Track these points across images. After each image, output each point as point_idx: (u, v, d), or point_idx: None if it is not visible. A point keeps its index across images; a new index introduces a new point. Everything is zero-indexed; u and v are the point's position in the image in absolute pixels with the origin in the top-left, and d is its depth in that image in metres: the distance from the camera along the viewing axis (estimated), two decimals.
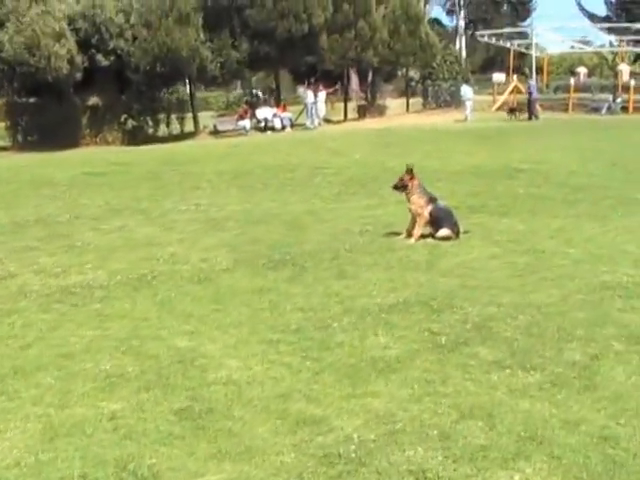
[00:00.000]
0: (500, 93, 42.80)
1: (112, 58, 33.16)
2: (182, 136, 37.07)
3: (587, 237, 10.17)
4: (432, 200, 10.40)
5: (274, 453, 4.24)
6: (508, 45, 47.74)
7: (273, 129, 37.30)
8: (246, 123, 36.62)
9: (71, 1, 32.78)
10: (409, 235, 10.35)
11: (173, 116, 37.36)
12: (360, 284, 8.04)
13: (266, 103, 39.18)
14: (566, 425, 4.46)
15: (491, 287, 7.71)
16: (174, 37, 32.41)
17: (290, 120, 37.81)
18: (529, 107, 36.14)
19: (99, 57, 32.97)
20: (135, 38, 32.80)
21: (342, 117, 41.27)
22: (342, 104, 41.69)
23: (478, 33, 51.34)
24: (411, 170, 10.41)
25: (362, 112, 41.73)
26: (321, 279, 8.35)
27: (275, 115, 37.67)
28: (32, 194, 16.80)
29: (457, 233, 10.35)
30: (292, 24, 34.41)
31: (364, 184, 16.67)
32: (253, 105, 38.77)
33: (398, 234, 10.52)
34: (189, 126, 38.08)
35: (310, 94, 38.26)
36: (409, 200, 10.39)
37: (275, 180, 17.94)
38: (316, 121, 38.37)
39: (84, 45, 32.61)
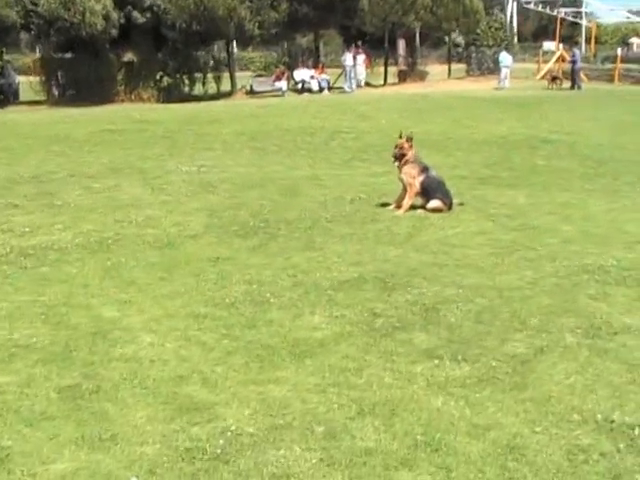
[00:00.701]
0: (546, 61, 41.44)
1: (148, 15, 32.80)
2: (218, 95, 36.64)
3: (589, 214, 9.55)
4: (424, 170, 9.83)
5: (138, 443, 3.84)
6: (555, 13, 46.11)
7: (310, 91, 36.63)
8: (282, 84, 36.02)
9: None
10: (398, 206, 9.84)
11: (210, 75, 36.81)
12: (324, 257, 7.57)
13: (304, 65, 38.39)
14: (473, 430, 3.95)
15: (461, 266, 7.17)
16: None
17: (327, 82, 37.11)
18: (572, 76, 34.86)
19: (135, 14, 32.63)
20: None
21: (382, 81, 40.34)
22: (383, 68, 40.71)
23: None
24: (410, 138, 9.80)
25: (403, 77, 40.82)
26: (286, 249, 7.90)
27: (312, 77, 36.97)
28: (42, 150, 16.54)
29: (449, 205, 9.77)
30: None
31: (379, 150, 16.05)
32: (291, 66, 38.05)
33: (389, 204, 9.95)
34: (226, 86, 37.58)
35: (349, 57, 37.47)
36: (401, 170, 9.80)
37: (291, 143, 17.46)
38: (354, 84, 37.58)
39: (120, 1, 32.23)
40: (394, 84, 40.23)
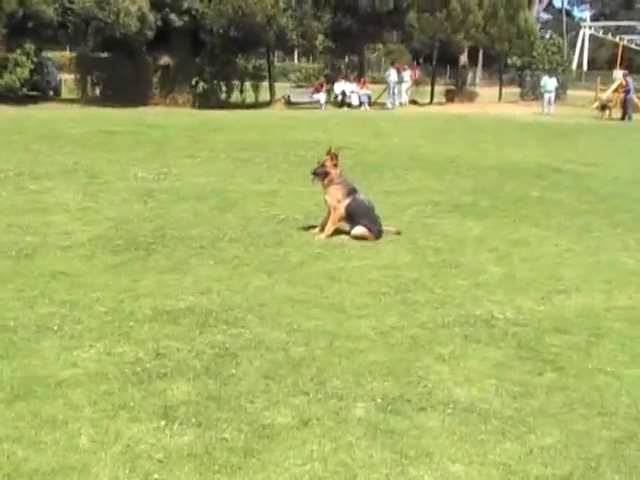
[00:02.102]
0: (603, 90, 39.68)
1: (186, 18, 32.31)
2: (256, 104, 35.97)
3: (534, 254, 8.41)
4: (351, 192, 8.81)
5: None
6: (617, 40, 44.24)
7: (350, 105, 35.70)
8: (321, 97, 35.18)
9: None
10: (322, 230, 8.80)
11: (248, 83, 36.19)
12: (179, 281, 6.71)
13: (346, 78, 37.48)
14: None
15: (322, 305, 6.21)
16: (249, 2, 31.20)
17: (368, 97, 36.13)
18: (624, 106, 33.15)
19: (172, 16, 32.19)
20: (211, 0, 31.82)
21: (429, 100, 39.24)
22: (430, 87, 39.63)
23: (586, 24, 47.86)
24: (335, 155, 8.78)
25: (450, 97, 39.57)
26: (149, 270, 7.02)
27: (353, 91, 36.02)
28: (19, 147, 15.98)
29: (377, 232, 8.69)
30: None
31: (370, 170, 15.05)
32: (332, 79, 37.19)
33: (315, 227, 8.96)
34: (266, 95, 36.92)
35: (393, 72, 36.46)
36: (326, 190, 8.78)
37: (281, 156, 16.58)
38: (397, 101, 36.55)
39: (158, 3, 31.86)
40: (441, 103, 39.01)
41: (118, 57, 32.85)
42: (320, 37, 34.81)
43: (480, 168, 16.24)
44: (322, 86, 35.65)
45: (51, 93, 35.14)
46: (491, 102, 39.73)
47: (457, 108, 36.48)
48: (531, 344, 5.41)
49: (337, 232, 8.86)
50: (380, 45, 51.09)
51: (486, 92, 43.95)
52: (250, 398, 4.36)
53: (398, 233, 9.08)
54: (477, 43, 36.45)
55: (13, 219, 9.04)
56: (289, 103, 35.74)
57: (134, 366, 4.71)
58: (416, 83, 38.84)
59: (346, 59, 38.15)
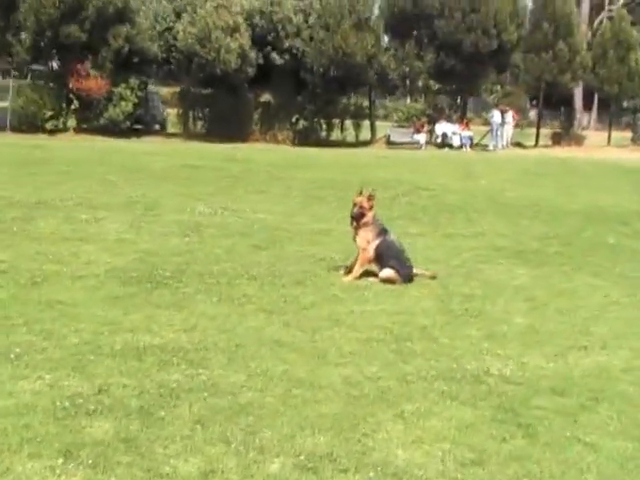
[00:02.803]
0: None
1: (287, 57, 32.69)
2: (357, 143, 35.95)
3: (574, 307, 7.78)
4: (381, 233, 8.44)
5: None
6: None
7: (451, 146, 35.18)
8: (421, 137, 34.84)
9: None
10: (349, 272, 8.44)
11: (349, 122, 36.22)
12: (168, 317, 6.51)
13: (449, 119, 36.99)
14: None
15: (303, 350, 5.82)
16: (350, 42, 31.33)
17: (470, 139, 35.47)
18: None
19: (274, 55, 32.64)
20: (311, 39, 32.10)
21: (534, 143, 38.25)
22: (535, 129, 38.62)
23: None
24: (372, 196, 8.44)
25: (556, 139, 38.40)
26: (147, 305, 6.86)
27: (454, 132, 35.49)
28: (95, 178, 16.33)
29: (406, 276, 8.25)
30: (480, 38, 32.07)
31: (443, 211, 14.69)
32: (434, 119, 36.77)
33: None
34: (367, 134, 36.86)
35: (497, 114, 35.73)
36: (357, 232, 8.44)
37: (328, 194, 16.22)
38: (500, 143, 35.74)
39: (259, 42, 32.40)
40: (546, 146, 37.92)
41: (220, 93, 33.51)
42: (422, 77, 34.50)
43: (562, 213, 15.51)
44: (423, 126, 35.30)
45: (157, 127, 36.07)
46: (600, 146, 38.30)
47: (562, 151, 35.32)
48: (514, 405, 4.88)
49: (367, 274, 8.44)
50: (498, 87, 50.38)
51: (598, 136, 42.45)
52: (166, 444, 4.06)
53: (433, 277, 8.61)
54: (585, 84, 35.13)
55: (44, 247, 9.07)
56: (389, 143, 35.51)
57: (68, 400, 4.50)
58: (517, 125, 37.85)
59: (449, 100, 37.52)
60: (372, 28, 32.02)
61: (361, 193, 8.45)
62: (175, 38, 31.39)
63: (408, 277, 8.32)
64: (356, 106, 36.05)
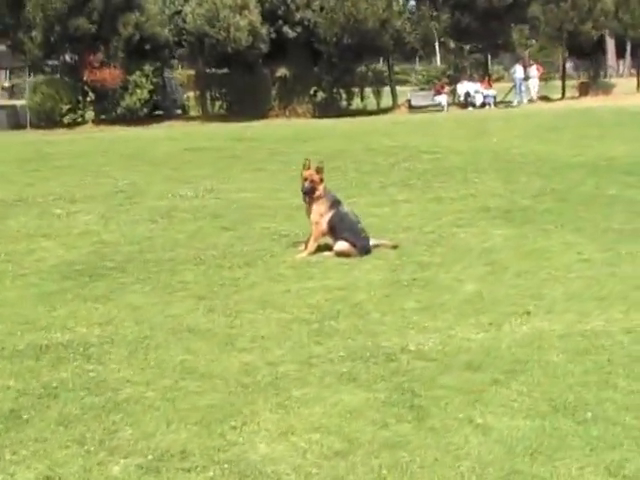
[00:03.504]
0: None
1: (299, 29, 32.21)
2: (378, 111, 35.37)
3: (537, 268, 7.35)
4: (333, 205, 8.08)
5: None
6: None
7: (474, 105, 34.41)
8: (442, 99, 34.13)
9: None
10: (306, 247, 8.11)
11: (368, 89, 35.62)
12: (89, 311, 6.26)
13: (471, 78, 36.14)
14: None
15: (198, 334, 5.51)
16: (360, 7, 30.68)
17: (493, 97, 34.65)
18: None
19: (286, 28, 32.20)
20: (322, 8, 31.53)
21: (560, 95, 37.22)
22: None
23: None
24: (321, 168, 8.09)
25: (584, 90, 37.26)
26: (73, 299, 6.68)
27: (477, 91, 34.68)
28: (87, 170, 16.22)
29: (362, 248, 7.90)
30: None
31: (440, 174, 14.26)
32: (456, 79, 35.96)
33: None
34: (388, 100, 36.25)
35: (519, 69, 34.80)
36: (311, 207, 8.11)
37: (354, 165, 16.09)
38: (525, 98, 34.85)
39: (270, 17, 31.94)
40: (573, 97, 36.85)
41: (235, 72, 33.20)
42: (440, 38, 33.73)
43: (567, 166, 14.94)
44: (443, 87, 34.59)
45: (179, 111, 35.92)
46: (630, 93, 37.09)
47: (589, 102, 34.32)
48: (415, 385, 4.52)
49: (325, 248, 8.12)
50: (533, 41, 49.07)
51: (630, 83, 41.16)
52: (17, 448, 3.82)
53: (395, 247, 8.26)
54: (609, 31, 33.95)
55: (2, 246, 8.91)
56: (411, 107, 34.88)
57: None
58: (543, 78, 36.82)
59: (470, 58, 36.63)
60: None
61: (308, 167, 8.04)
62: (184, 21, 31.11)
63: (364, 249, 7.95)
64: (375, 73, 35.40)
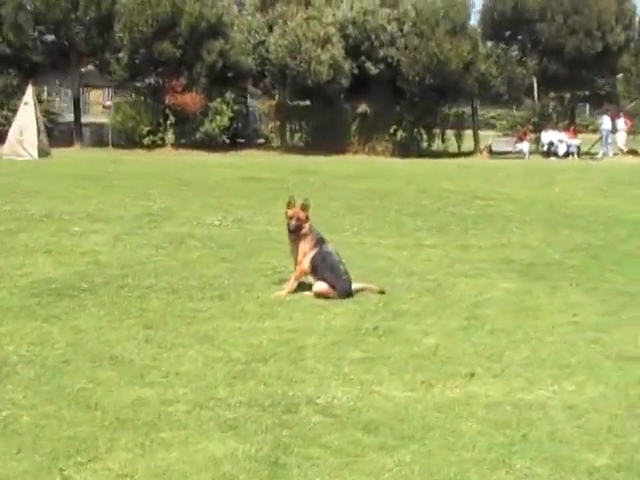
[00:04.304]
0: None
1: (382, 67, 32.13)
2: (459, 154, 34.93)
3: (516, 326, 6.90)
4: (317, 243, 7.84)
5: None
6: None
7: (557, 155, 33.55)
8: (524, 146, 33.40)
9: (345, 7, 32.30)
10: None
11: (450, 132, 35.21)
12: (20, 334, 6.10)
13: (554, 127, 35.28)
14: None
15: (107, 361, 5.33)
16: (444, 48, 30.41)
17: (577, 147, 33.69)
18: None
19: (369, 65, 32.15)
20: (406, 47, 31.41)
21: None
22: None
23: None
24: (307, 206, 7.88)
25: None
26: (23, 318, 6.58)
27: (561, 140, 33.81)
28: (136, 191, 16.38)
29: (344, 290, 7.63)
30: (582, 41, 30.39)
31: (482, 222, 13.88)
32: (540, 127, 35.16)
33: None
34: (469, 144, 35.77)
35: (607, 120, 33.79)
36: (297, 246, 7.90)
37: (397, 206, 15.70)
38: (611, 152, 33.78)
39: (353, 52, 32.01)
40: None
41: (316, 105, 33.36)
42: (527, 83, 33.10)
43: (619, 222, 14.31)
44: (526, 134, 33.88)
45: (262, 140, 36.30)
46: None
47: None
48: (294, 442, 4.25)
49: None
50: None
51: None
52: None
53: (381, 292, 7.94)
54: None
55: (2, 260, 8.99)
56: (492, 152, 34.28)
57: None
58: (630, 132, 35.62)
59: (550, 106, 35.77)
60: (468, 34, 30.89)
61: (293, 205, 7.83)
62: (268, 51, 31.45)
63: (345, 291, 7.66)
64: (457, 115, 34.96)
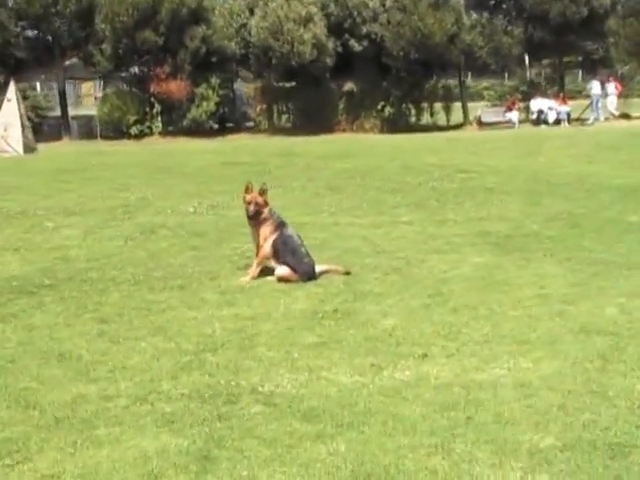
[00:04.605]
0: None
1: (366, 43, 31.87)
2: (447, 127, 34.71)
3: (481, 302, 6.78)
4: (278, 227, 7.74)
5: None
6: None
7: (547, 122, 33.33)
8: (513, 115, 33.18)
9: None
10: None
11: (438, 105, 34.97)
12: None
13: (544, 94, 35.01)
14: None
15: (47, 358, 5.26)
16: (427, 21, 30.13)
17: (567, 114, 33.46)
18: None
19: (352, 42, 31.89)
20: (389, 22, 31.12)
21: None
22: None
23: None
24: (264, 191, 7.78)
25: None
26: None
27: (550, 108, 33.57)
28: (112, 183, 16.30)
29: (306, 273, 7.54)
30: (567, 6, 30.09)
31: (462, 195, 13.74)
32: (529, 96, 34.91)
33: None
34: (459, 116, 35.54)
35: (596, 85, 33.54)
36: (258, 231, 7.81)
37: (378, 183, 15.66)
38: (602, 117, 33.55)
39: (336, 30, 31.73)
40: None
41: (302, 86, 33.13)
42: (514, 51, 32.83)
43: (602, 189, 14.17)
44: (514, 104, 33.62)
45: (251, 124, 36.12)
46: None
47: None
48: (228, 434, 4.17)
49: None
50: None
51: None
52: None
53: (347, 273, 7.85)
54: None
55: None
56: (481, 124, 34.06)
57: None
58: (620, 96, 35.36)
59: (542, 73, 35.51)
60: (451, 6, 30.61)
61: (251, 190, 7.73)
62: (250, 34, 31.22)
63: (307, 274, 7.57)
64: (445, 88, 34.70)
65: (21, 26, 30.60)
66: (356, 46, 31.72)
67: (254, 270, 7.71)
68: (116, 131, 31.81)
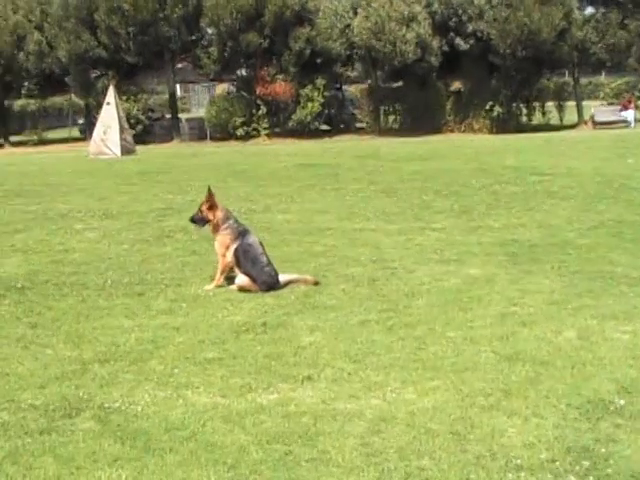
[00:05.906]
0: None
1: (472, 41, 31.10)
2: (560, 127, 33.41)
3: (447, 320, 6.49)
4: (239, 236, 7.65)
5: None
6: None
7: None
8: (629, 114, 31.51)
9: None
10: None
11: (551, 104, 33.67)
12: None
13: None
14: None
15: None
16: (533, 17, 29.06)
17: None
18: None
19: (458, 40, 31.19)
20: (495, 19, 30.24)
21: None
22: None
23: None
24: (210, 196, 7.72)
25: None
26: None
27: None
28: (173, 184, 16.55)
29: (266, 283, 7.44)
30: None
31: (518, 199, 13.25)
32: None
33: None
34: (573, 116, 34.14)
35: None
36: (214, 237, 7.79)
37: (437, 187, 15.21)
38: None
39: (441, 29, 31.14)
40: None
41: (408, 86, 32.70)
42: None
43: None
44: (630, 102, 31.88)
45: (361, 125, 36.05)
46: None
47: None
48: (45, 459, 4.09)
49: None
50: None
51: None
52: None
53: (316, 284, 7.66)
54: None
55: None
56: (595, 123, 32.55)
57: None
58: None
59: None
60: (560, 1, 29.35)
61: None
62: (354, 34, 31.12)
63: (267, 284, 7.44)
64: (557, 86, 33.32)
65: (131, 31, 31.68)
66: (462, 45, 31.01)
67: (218, 278, 7.64)
68: (223, 132, 32.43)
